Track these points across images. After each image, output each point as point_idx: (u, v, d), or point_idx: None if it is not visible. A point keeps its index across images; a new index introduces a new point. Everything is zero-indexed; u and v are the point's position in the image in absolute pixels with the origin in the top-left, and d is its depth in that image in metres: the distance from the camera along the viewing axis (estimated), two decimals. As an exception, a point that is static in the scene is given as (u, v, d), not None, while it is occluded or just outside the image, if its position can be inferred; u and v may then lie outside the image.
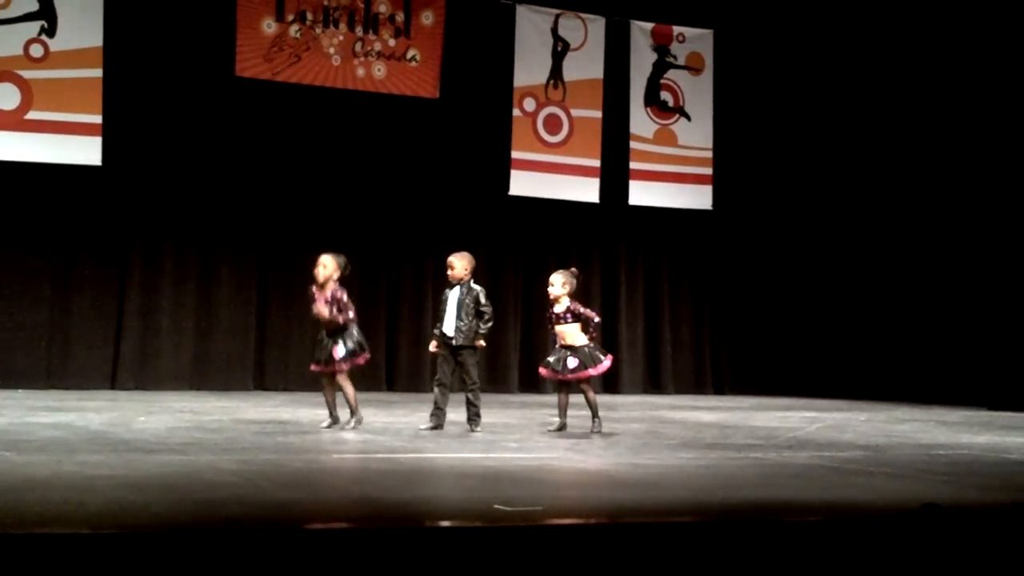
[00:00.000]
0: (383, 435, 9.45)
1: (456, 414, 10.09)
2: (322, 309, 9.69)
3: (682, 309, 17.96)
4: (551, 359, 10.08)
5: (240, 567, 4.45)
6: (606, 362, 10.02)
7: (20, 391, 13.52)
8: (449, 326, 9.91)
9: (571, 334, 9.98)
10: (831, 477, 7.52)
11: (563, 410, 10.13)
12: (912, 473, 7.87)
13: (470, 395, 9.96)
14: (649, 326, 17.76)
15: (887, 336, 17.23)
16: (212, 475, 6.79)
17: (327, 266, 9.81)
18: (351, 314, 9.77)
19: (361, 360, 9.89)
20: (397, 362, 16.09)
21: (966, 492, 6.94)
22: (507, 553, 4.84)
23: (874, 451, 9.26)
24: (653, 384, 17.64)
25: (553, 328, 10.14)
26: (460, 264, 10.02)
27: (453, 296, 9.95)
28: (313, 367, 9.95)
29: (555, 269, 10.60)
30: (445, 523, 5.35)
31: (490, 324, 9.97)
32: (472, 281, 10.01)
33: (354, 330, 9.79)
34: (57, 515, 5.17)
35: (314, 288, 9.81)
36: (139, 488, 6.02)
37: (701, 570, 4.97)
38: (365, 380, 15.71)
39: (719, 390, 17.84)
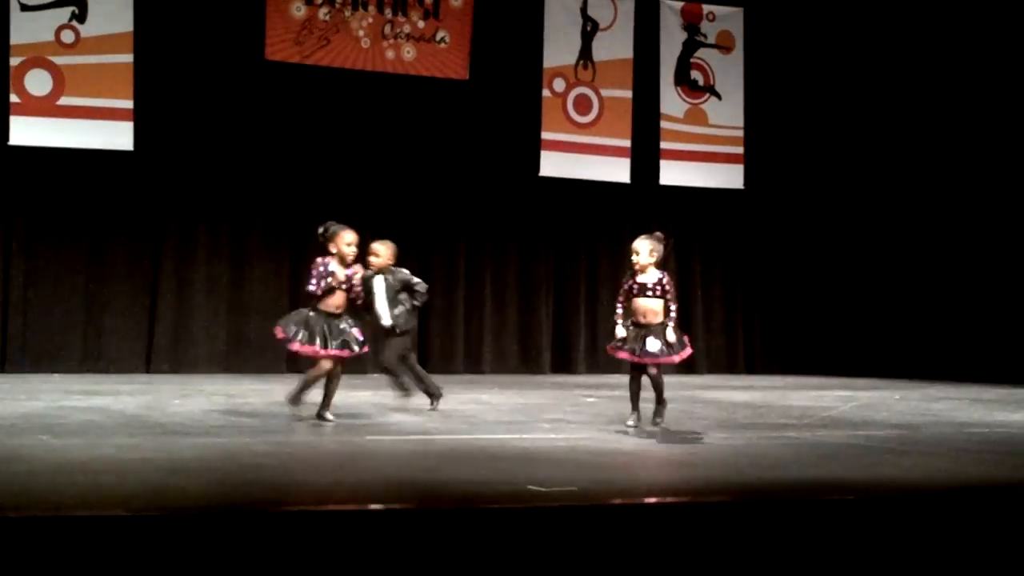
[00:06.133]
0: (417, 416, 9.47)
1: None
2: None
3: (714, 289, 17.87)
4: (626, 338, 8.63)
5: (274, 549, 4.47)
6: (689, 349, 8.84)
7: (56, 375, 13.61)
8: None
9: (654, 311, 8.64)
10: (866, 456, 7.49)
11: (636, 398, 8.82)
12: (947, 452, 7.83)
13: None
14: (681, 306, 17.62)
15: (921, 314, 17.10)
16: (246, 458, 6.83)
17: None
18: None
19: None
20: (429, 344, 16.10)
21: (1001, 471, 6.90)
22: (542, 534, 4.84)
23: (909, 430, 9.21)
24: (685, 364, 17.52)
25: (627, 302, 8.69)
26: None
27: None
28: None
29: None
30: (479, 505, 5.35)
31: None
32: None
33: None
34: (93, 497, 5.21)
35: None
36: (174, 471, 6.06)
37: (736, 550, 4.96)
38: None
39: (751, 369, 17.75)
